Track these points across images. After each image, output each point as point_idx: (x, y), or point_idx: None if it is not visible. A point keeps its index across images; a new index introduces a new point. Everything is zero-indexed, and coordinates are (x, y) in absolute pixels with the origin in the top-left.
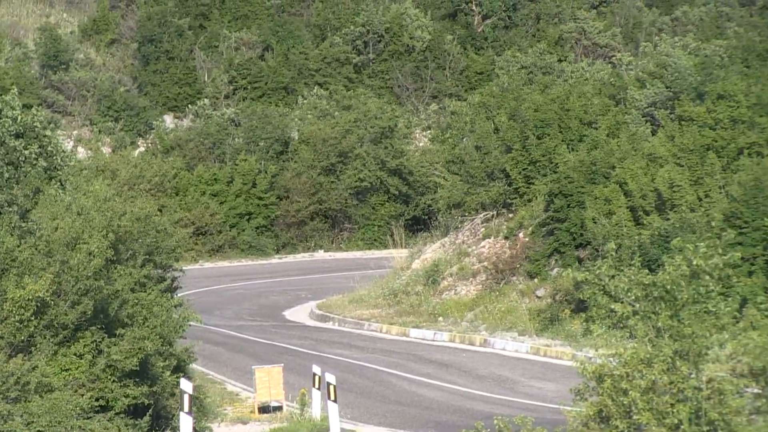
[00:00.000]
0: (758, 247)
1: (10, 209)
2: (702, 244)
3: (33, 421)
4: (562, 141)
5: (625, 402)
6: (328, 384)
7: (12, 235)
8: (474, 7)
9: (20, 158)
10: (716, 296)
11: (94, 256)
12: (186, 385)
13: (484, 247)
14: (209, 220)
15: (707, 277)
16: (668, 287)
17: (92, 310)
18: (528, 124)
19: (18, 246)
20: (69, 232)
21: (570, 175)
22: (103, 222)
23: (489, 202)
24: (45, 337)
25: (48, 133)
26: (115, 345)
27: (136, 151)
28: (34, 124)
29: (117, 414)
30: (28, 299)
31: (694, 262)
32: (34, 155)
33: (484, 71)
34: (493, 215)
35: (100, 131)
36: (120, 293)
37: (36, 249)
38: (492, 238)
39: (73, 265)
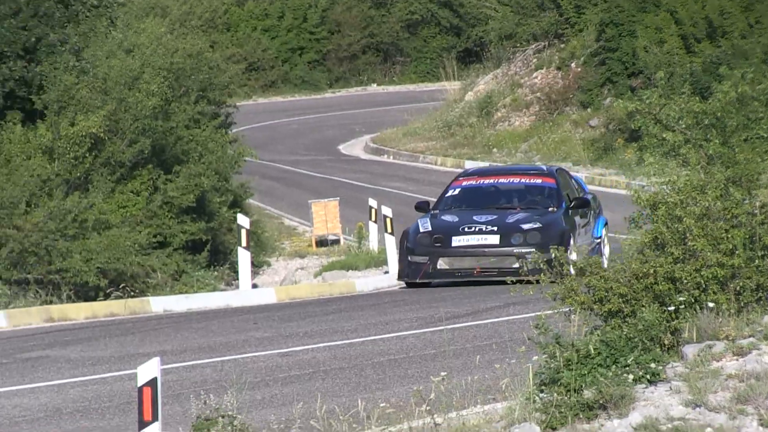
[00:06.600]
0: None
1: (63, 48)
2: (749, 70)
3: (92, 258)
4: None
5: (679, 229)
6: (385, 217)
7: (69, 74)
8: None
9: None
10: (766, 122)
11: (153, 95)
12: (243, 220)
13: (536, 78)
14: (261, 55)
15: (755, 103)
16: (718, 114)
17: (150, 149)
18: None
19: (76, 84)
20: (126, 71)
21: (621, 4)
22: (161, 63)
23: (540, 33)
24: (102, 175)
25: None
26: (171, 182)
27: None
28: None
29: (175, 250)
30: (82, 135)
31: (740, 89)
32: None
33: None
34: (544, 46)
35: None
36: (175, 130)
37: (93, 87)
38: (544, 68)
39: (131, 104)
